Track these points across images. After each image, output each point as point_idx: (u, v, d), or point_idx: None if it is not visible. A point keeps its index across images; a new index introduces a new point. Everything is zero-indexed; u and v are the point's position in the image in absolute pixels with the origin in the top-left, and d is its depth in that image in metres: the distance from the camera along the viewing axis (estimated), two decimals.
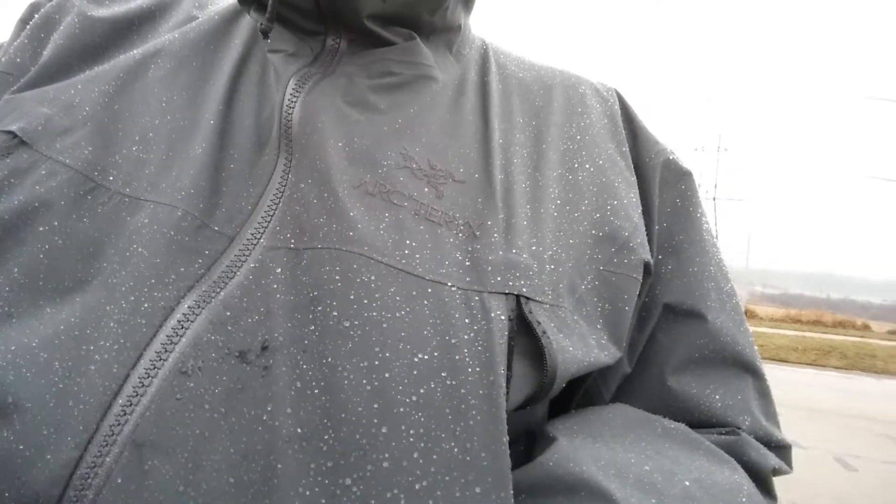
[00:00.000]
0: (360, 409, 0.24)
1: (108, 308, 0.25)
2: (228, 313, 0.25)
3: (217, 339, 0.25)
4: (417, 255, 0.28)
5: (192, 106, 0.32)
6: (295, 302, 0.26)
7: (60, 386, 0.23)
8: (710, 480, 0.28)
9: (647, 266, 0.34)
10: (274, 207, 0.28)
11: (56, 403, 0.23)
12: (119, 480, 0.22)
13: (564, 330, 0.30)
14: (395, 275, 0.27)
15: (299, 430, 0.24)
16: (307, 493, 0.23)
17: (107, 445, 0.22)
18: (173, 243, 0.27)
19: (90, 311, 0.25)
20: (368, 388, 0.24)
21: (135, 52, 0.34)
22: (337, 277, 0.27)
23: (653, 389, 0.34)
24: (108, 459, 0.22)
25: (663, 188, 0.37)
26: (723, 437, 0.32)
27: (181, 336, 0.24)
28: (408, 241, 0.29)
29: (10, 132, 0.30)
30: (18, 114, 0.31)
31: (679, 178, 0.38)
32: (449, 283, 0.28)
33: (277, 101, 0.31)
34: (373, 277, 0.27)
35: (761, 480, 0.31)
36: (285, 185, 0.29)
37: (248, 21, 0.35)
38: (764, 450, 0.32)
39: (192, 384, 0.24)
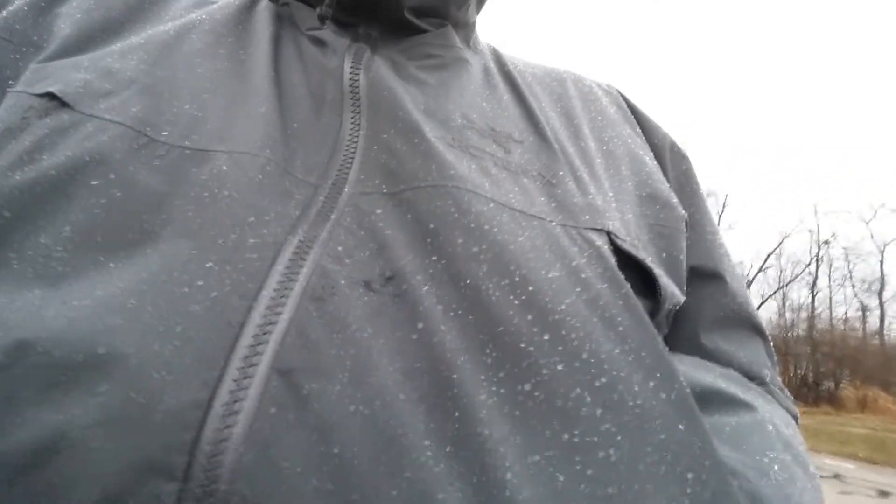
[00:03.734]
0: (515, 320, 0.25)
1: (194, 252, 0.24)
2: (340, 248, 0.26)
3: (340, 270, 0.25)
4: (511, 195, 0.30)
5: (240, 74, 0.33)
6: (409, 236, 0.27)
7: (160, 329, 0.21)
8: (773, 408, 0.33)
9: (686, 221, 0.38)
10: (349, 160, 0.30)
11: (161, 346, 0.21)
12: (273, 410, 0.20)
13: (652, 263, 0.33)
14: (502, 208, 0.29)
15: (458, 345, 0.24)
16: (490, 401, 0.23)
17: (245, 378, 0.21)
18: (262, 186, 0.27)
19: (170, 257, 0.24)
20: (517, 302, 0.26)
21: (166, 27, 0.35)
22: (452, 210, 0.28)
23: (689, 347, 0.37)
24: (251, 392, 0.20)
25: (672, 168, 0.42)
26: (758, 386, 0.36)
27: (302, 267, 0.24)
28: (499, 184, 0.30)
29: (47, 94, 0.29)
30: (53, 79, 0.30)
31: (682, 160, 0.44)
32: (547, 219, 0.30)
33: (334, 67, 0.34)
34: (485, 209, 0.28)
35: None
36: (357, 140, 0.31)
37: (264, 8, 0.38)
38: (786, 399, 0.37)
39: (331, 308, 0.23)
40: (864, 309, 20.50)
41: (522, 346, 0.24)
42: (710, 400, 0.30)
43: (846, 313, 20.96)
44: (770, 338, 0.39)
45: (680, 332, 0.37)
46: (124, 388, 0.20)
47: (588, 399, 0.24)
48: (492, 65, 0.41)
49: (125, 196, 0.26)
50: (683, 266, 0.37)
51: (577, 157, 0.36)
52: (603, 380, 0.25)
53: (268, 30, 0.36)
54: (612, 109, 0.43)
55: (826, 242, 21.24)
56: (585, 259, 0.29)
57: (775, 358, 0.39)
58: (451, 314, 0.25)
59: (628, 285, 0.28)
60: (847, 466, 6.36)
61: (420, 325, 0.24)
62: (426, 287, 0.25)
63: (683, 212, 0.38)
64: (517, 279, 0.26)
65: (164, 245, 0.24)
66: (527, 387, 0.24)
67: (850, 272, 21.47)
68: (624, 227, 0.33)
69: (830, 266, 21.28)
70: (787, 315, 20.83)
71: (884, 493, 4.90)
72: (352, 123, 0.31)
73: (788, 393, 0.38)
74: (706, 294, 0.38)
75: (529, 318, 0.25)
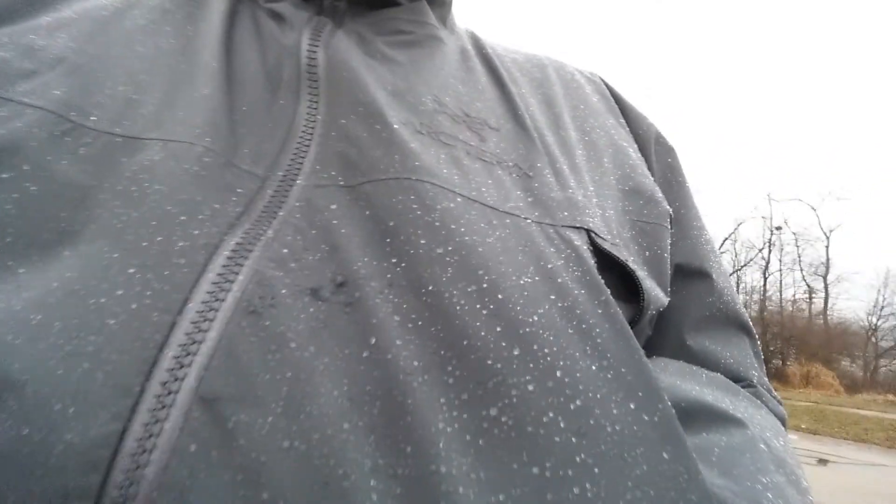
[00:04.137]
0: (482, 333, 0.22)
1: (115, 255, 0.21)
2: (286, 251, 0.23)
3: (283, 276, 0.22)
4: (484, 189, 0.28)
5: (187, 52, 0.30)
6: (366, 236, 0.24)
7: (67, 349, 0.18)
8: (762, 417, 0.31)
9: (671, 216, 0.36)
10: (304, 149, 0.27)
11: (67, 370, 0.18)
12: (193, 448, 0.17)
13: (634, 264, 0.31)
14: (471, 204, 0.26)
15: (416, 363, 0.21)
16: (449, 429, 0.20)
17: (163, 408, 0.18)
18: (199, 179, 0.24)
19: (89, 261, 0.21)
20: (484, 312, 0.23)
21: (103, 1, 0.32)
22: (414, 206, 0.25)
23: (674, 349, 0.35)
24: (167, 426, 0.18)
25: (657, 160, 0.40)
26: (746, 389, 0.34)
27: (237, 274, 0.21)
28: (471, 177, 0.28)
29: None
30: None
31: (668, 152, 0.41)
32: (522, 216, 0.27)
33: (291, 44, 0.31)
34: (451, 206, 0.26)
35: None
36: (314, 126, 0.28)
37: None
38: (774, 402, 0.35)
39: (267, 322, 0.20)
40: (810, 291, 21.70)
41: (489, 363, 0.22)
42: (697, 416, 0.27)
43: (794, 295, 22.14)
44: (757, 335, 0.38)
45: (664, 333, 0.35)
46: (17, 422, 0.17)
47: (562, 425, 0.21)
48: (469, 47, 0.38)
49: (42, 190, 0.23)
50: (668, 264, 0.35)
51: (557, 148, 0.33)
52: (578, 402, 0.22)
53: (223, 4, 0.33)
54: (595, 98, 0.40)
55: (778, 228, 22.28)
56: (562, 261, 0.26)
57: (762, 356, 0.38)
58: (410, 325, 0.22)
59: (608, 291, 0.26)
60: (791, 437, 6.75)
61: (372, 340, 0.21)
62: (382, 294, 0.23)
63: (668, 207, 0.36)
64: (485, 285, 0.24)
65: (84, 247, 0.22)
66: (493, 411, 0.21)
67: (800, 256, 22.66)
68: (605, 224, 0.31)
69: (781, 251, 22.38)
70: (741, 297, 21.76)
71: (822, 461, 5.27)
72: (308, 107, 0.28)
73: (776, 393, 0.36)
74: (692, 293, 0.36)
75: (498, 329, 0.23)
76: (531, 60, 0.41)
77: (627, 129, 0.40)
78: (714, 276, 0.37)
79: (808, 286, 21.75)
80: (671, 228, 0.36)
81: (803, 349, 18.09)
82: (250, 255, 0.22)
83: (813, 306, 21.52)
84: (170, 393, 0.18)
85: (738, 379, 0.35)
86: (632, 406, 0.23)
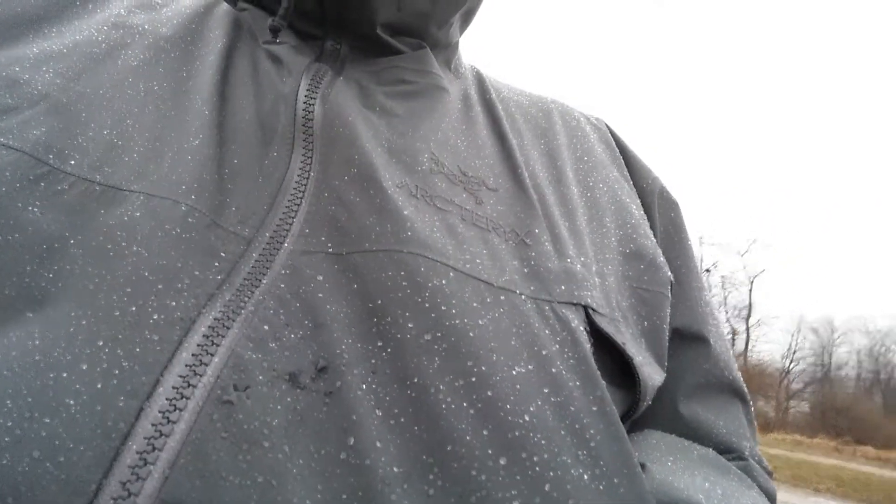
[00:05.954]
0: (467, 437, 0.21)
1: (83, 323, 0.19)
2: (266, 327, 0.21)
3: (261, 359, 0.20)
4: (478, 261, 0.26)
5: (178, 96, 0.28)
6: (351, 314, 0.23)
7: (17, 433, 0.17)
8: (751, 503, 0.29)
9: (671, 283, 0.35)
10: (295, 208, 0.25)
11: (13, 459, 0.16)
12: None
13: (632, 346, 0.29)
14: (465, 280, 0.25)
15: (396, 470, 0.19)
16: None
17: None
18: (181, 242, 0.23)
19: (55, 328, 0.19)
20: (472, 411, 0.21)
21: (99, 35, 0.30)
22: (404, 283, 0.23)
23: (666, 417, 0.34)
24: None
25: (660, 216, 0.39)
26: (736, 462, 0.33)
27: (212, 354, 0.20)
28: (465, 247, 0.26)
29: None
30: None
31: (671, 207, 0.40)
32: (517, 291, 0.26)
33: (288, 92, 0.29)
34: (444, 282, 0.24)
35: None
36: (306, 183, 0.26)
37: (224, 13, 0.33)
38: (765, 476, 0.34)
39: (241, 416, 0.19)
40: (733, 333, 23.15)
41: (474, 473, 0.20)
42: None
43: None
44: (751, 401, 0.37)
45: (657, 399, 0.33)
46: None
47: None
48: (473, 92, 0.37)
49: (7, 242, 0.21)
50: (666, 335, 0.33)
51: (557, 208, 0.32)
52: None
53: (220, 41, 0.31)
54: (600, 148, 0.39)
55: (707, 271, 23.76)
56: (557, 346, 0.25)
57: (755, 423, 0.37)
58: (392, 423, 0.21)
59: (604, 385, 0.25)
60: None
61: (351, 441, 0.20)
62: (365, 384, 0.21)
63: (669, 273, 0.35)
64: (474, 379, 0.22)
65: (51, 309, 0.20)
66: None
67: (725, 299, 24.18)
68: (604, 294, 0.30)
69: (710, 292, 23.85)
70: None
71: None
72: (302, 163, 0.27)
73: (766, 463, 0.35)
74: (688, 358, 0.35)
75: (485, 433, 0.21)
76: (537, 104, 0.40)
77: (630, 181, 0.39)
78: (711, 340, 0.36)
79: (732, 328, 23.21)
80: (671, 297, 0.35)
81: None
82: (228, 333, 0.21)
83: (735, 347, 22.96)
84: (129, 495, 0.16)
85: (730, 450, 0.34)
86: None
